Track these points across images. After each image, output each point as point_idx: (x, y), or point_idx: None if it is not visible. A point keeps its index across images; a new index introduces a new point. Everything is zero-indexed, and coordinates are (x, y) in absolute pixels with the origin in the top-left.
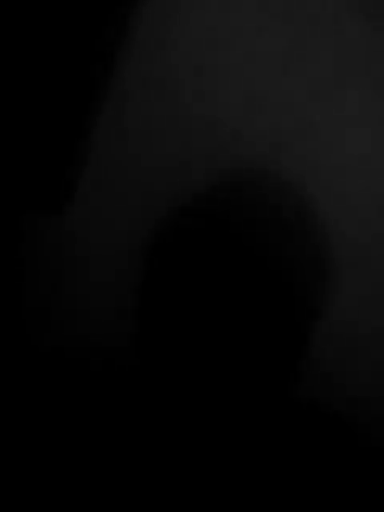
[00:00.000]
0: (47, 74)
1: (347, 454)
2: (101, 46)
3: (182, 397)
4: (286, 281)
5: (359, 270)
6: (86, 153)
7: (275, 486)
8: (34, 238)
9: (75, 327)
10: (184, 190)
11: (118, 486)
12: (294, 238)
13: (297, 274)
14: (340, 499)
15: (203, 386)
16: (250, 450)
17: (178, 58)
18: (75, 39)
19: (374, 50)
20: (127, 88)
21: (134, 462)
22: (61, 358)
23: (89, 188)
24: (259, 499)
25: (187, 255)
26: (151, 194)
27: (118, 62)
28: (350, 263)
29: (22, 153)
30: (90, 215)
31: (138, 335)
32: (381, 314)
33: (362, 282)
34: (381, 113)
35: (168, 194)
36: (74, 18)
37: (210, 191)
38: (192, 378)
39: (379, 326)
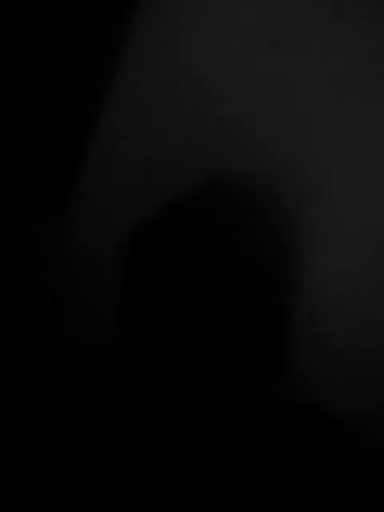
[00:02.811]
0: (47, 75)
1: (335, 454)
2: (101, 45)
3: (177, 396)
4: (268, 282)
5: (343, 275)
6: (86, 153)
7: (266, 485)
8: (35, 238)
9: (75, 327)
10: (184, 190)
11: (116, 483)
12: (280, 244)
13: (278, 277)
14: (329, 500)
15: (199, 384)
16: (239, 449)
17: (178, 59)
18: (75, 38)
19: (375, 52)
20: (127, 89)
21: (132, 461)
22: (61, 357)
23: (89, 188)
24: (248, 499)
25: (185, 255)
26: (151, 194)
27: (118, 63)
28: (335, 270)
29: (23, 153)
30: (90, 215)
31: (132, 333)
32: (363, 313)
33: (344, 283)
34: (380, 115)
35: (168, 195)
36: (74, 16)
37: (209, 192)
38: (186, 377)
39: (364, 327)
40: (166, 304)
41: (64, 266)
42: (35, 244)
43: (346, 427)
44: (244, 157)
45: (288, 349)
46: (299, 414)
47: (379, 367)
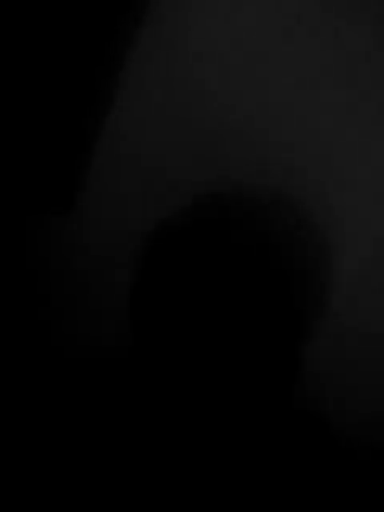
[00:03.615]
0: (52, 75)
1: (335, 455)
2: (103, 47)
3: (180, 399)
4: (282, 287)
5: (359, 280)
6: (90, 153)
7: (266, 486)
8: (35, 238)
9: (76, 327)
10: (185, 191)
11: (118, 483)
12: (291, 247)
13: (293, 282)
14: (330, 500)
15: (202, 388)
16: (239, 450)
17: (185, 61)
18: (78, 40)
19: (375, 52)
20: (132, 89)
21: (134, 462)
22: (61, 358)
23: (91, 188)
24: (248, 499)
25: (186, 257)
26: (152, 195)
27: (120, 64)
28: (349, 273)
29: (26, 155)
30: (92, 215)
31: (136, 336)
32: (378, 323)
33: (361, 291)
34: (379, 115)
35: (169, 196)
36: (80, 17)
37: (210, 192)
38: (190, 381)
39: (375, 335)
40: (176, 307)
41: (64, 266)
42: (35, 244)
43: (345, 427)
44: (246, 157)
45: (302, 348)
46: (300, 417)
47: (379, 368)
